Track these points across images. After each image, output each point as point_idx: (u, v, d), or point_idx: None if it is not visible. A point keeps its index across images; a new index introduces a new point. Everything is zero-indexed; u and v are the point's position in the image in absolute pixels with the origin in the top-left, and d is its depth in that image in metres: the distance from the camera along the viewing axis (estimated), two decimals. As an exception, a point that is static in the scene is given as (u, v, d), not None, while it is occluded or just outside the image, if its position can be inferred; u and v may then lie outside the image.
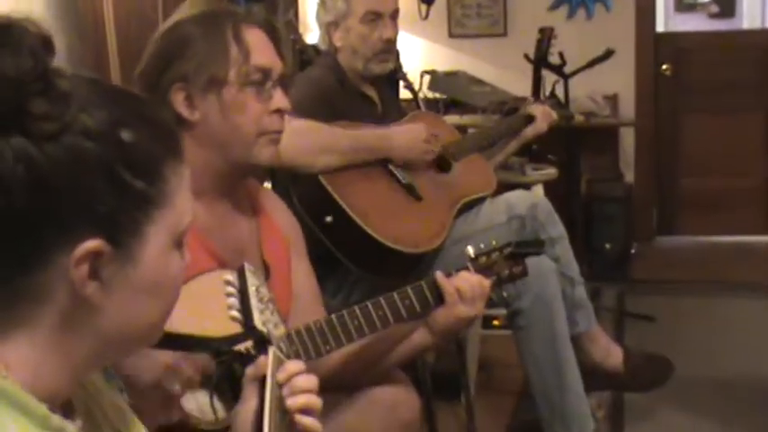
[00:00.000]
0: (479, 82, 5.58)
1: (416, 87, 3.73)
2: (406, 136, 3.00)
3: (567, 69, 4.44)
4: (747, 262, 5.74)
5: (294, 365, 1.40)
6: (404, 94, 3.71)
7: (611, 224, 5.59)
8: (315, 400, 1.39)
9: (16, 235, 0.96)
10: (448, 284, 2.04)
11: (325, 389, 1.56)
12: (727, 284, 5.21)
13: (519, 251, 2.21)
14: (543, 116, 3.53)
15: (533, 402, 3.15)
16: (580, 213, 5.14)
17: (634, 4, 6.07)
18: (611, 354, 3.29)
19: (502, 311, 4.31)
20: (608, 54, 4.46)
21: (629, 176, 6.10)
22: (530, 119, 3.52)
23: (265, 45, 2.00)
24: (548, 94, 4.28)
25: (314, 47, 3.55)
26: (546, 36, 4.48)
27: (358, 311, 2.00)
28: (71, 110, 0.97)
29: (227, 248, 1.97)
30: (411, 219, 2.93)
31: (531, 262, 2.89)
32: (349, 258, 2.84)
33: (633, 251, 5.76)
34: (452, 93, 5.45)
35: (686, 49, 6.29)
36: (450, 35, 6.24)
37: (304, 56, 3.94)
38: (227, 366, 1.78)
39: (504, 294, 2.23)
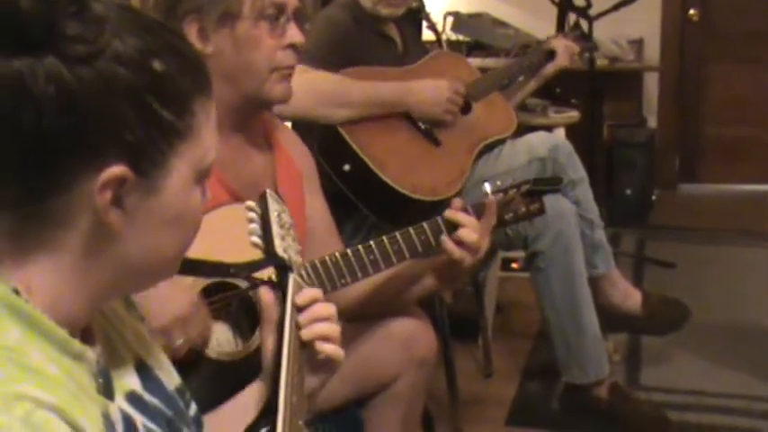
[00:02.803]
0: (503, 24, 5.52)
1: (440, 29, 3.69)
2: (427, 93, 2.94)
3: (593, 12, 4.38)
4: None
5: (313, 291, 1.40)
6: (427, 35, 3.67)
7: (633, 170, 5.55)
8: (334, 328, 1.38)
9: (44, 156, 0.96)
10: (453, 248, 2.00)
11: (340, 318, 1.56)
12: (748, 233, 5.18)
13: (536, 188, 2.19)
14: (565, 50, 3.47)
15: (550, 344, 3.16)
16: (601, 158, 5.12)
17: (662, -55, 5.99)
18: (629, 296, 3.30)
19: (520, 254, 4.32)
20: (634, -4, 4.41)
21: (652, 122, 6.06)
22: (551, 54, 3.48)
23: None
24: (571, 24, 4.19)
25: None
26: (571, -23, 4.41)
27: (374, 246, 2.00)
28: (104, 35, 0.97)
29: (242, 182, 1.97)
30: (429, 166, 2.91)
31: (550, 204, 2.88)
32: (367, 206, 2.83)
33: (654, 198, 5.73)
34: (476, 35, 5.39)
35: (714, -7, 6.21)
36: (475, -23, 6.17)
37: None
38: (243, 299, 1.79)
39: (510, 233, 2.21)
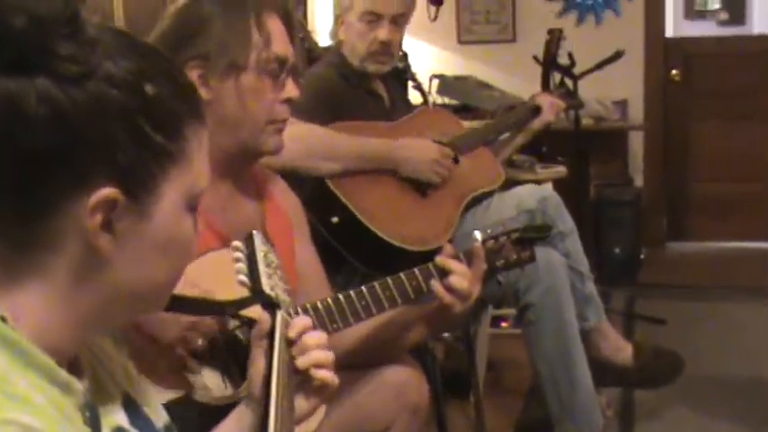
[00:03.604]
0: (488, 86, 5.57)
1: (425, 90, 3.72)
2: (415, 152, 2.95)
3: (577, 71, 4.42)
4: (758, 267, 5.72)
5: (302, 321, 1.40)
6: (413, 97, 3.70)
7: (621, 229, 5.57)
8: (327, 355, 1.39)
9: (35, 177, 0.95)
10: (444, 294, 2.01)
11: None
12: (738, 289, 5.19)
13: (526, 236, 2.20)
14: (550, 106, 3.50)
15: (542, 400, 3.13)
16: (589, 217, 5.14)
17: (643, 10, 6.08)
18: (621, 349, 3.28)
19: (511, 311, 4.32)
20: (617, 55, 4.46)
21: (639, 181, 6.10)
22: (536, 110, 3.50)
23: (283, 33, 2.01)
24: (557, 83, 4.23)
25: (322, 46, 3.55)
26: (555, 37, 4.46)
27: (365, 291, 1.99)
28: (97, 56, 0.97)
29: (232, 228, 1.97)
30: (418, 216, 2.92)
31: (540, 256, 2.89)
32: (356, 258, 2.83)
33: (642, 256, 5.74)
34: (461, 97, 5.44)
35: (695, 54, 6.30)
36: (460, 41, 6.25)
37: (312, 54, 3.93)
38: (233, 337, 1.78)
39: (501, 280, 2.21)
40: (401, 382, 2.17)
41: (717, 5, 8.31)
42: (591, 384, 3.06)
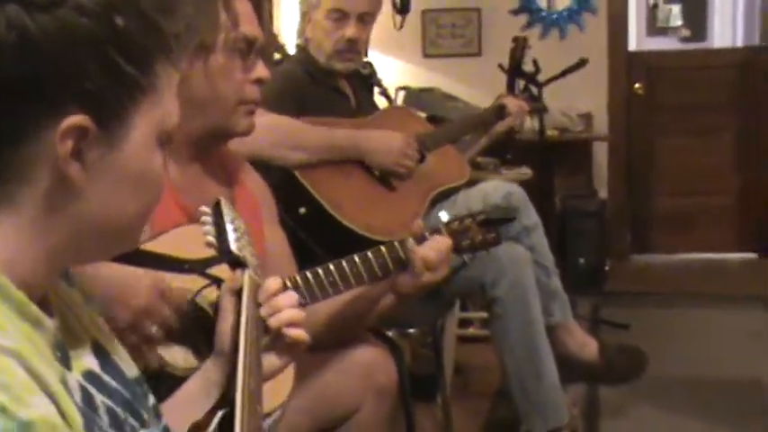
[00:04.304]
0: (453, 98, 5.59)
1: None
2: (380, 143, 2.98)
3: (541, 78, 4.46)
4: (720, 278, 5.79)
5: (273, 283, 1.41)
6: (380, 104, 3.72)
7: (586, 240, 5.61)
8: (298, 314, 1.41)
9: (5, 105, 0.96)
10: (415, 254, 2.05)
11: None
12: (699, 296, 5.25)
13: (491, 218, 2.23)
14: (515, 107, 3.54)
15: (509, 393, 3.15)
16: (554, 228, 5.17)
17: (606, 25, 6.15)
18: (586, 345, 3.31)
19: (479, 315, 4.34)
20: (582, 63, 4.49)
21: (603, 193, 6.15)
22: (501, 112, 3.53)
23: (251, 15, 2.03)
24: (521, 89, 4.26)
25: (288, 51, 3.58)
26: (520, 45, 4.49)
27: (332, 268, 2.00)
28: None
29: (200, 206, 1.97)
30: (384, 209, 2.94)
31: (505, 250, 2.94)
32: (323, 248, 2.84)
33: (607, 268, 5.79)
34: (427, 108, 5.44)
35: (658, 67, 6.38)
36: (425, 55, 6.29)
37: (278, 54, 3.96)
38: (200, 311, 1.78)
39: (466, 258, 2.23)
40: (368, 364, 2.18)
41: (678, 22, 8.43)
42: (557, 379, 3.08)
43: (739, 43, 7.57)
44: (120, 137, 1.03)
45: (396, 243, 2.06)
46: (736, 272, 6.02)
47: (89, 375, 1.11)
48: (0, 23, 0.94)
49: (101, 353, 1.17)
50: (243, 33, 1.98)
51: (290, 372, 1.81)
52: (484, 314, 3.99)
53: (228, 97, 2.00)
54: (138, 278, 1.67)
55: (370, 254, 2.04)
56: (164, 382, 1.75)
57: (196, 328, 1.78)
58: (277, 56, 4.04)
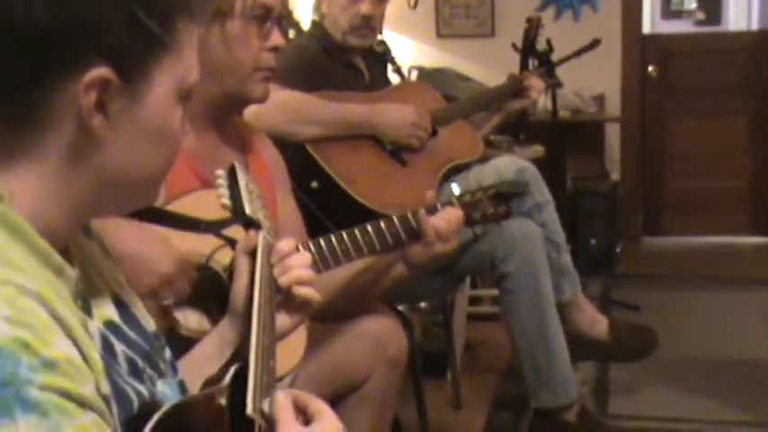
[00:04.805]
0: (467, 78, 5.60)
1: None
2: (393, 116, 2.99)
3: (555, 58, 4.44)
4: (732, 261, 5.79)
5: (286, 244, 1.43)
6: (394, 81, 3.73)
7: (597, 221, 5.61)
8: (309, 273, 1.43)
9: (32, 55, 0.98)
10: (427, 224, 2.07)
11: (312, 318, 1.58)
12: (711, 278, 5.25)
13: (502, 191, 2.25)
14: (531, 84, 3.53)
15: (519, 369, 3.16)
16: (566, 208, 5.17)
17: (621, 6, 6.13)
18: (596, 322, 3.31)
19: (489, 293, 4.36)
20: (595, 43, 4.47)
21: (615, 175, 6.14)
22: (519, 87, 3.51)
23: None
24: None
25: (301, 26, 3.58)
26: (534, 25, 4.48)
27: (345, 236, 2.02)
28: None
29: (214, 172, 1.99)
30: (396, 184, 2.95)
31: (517, 225, 2.94)
32: (335, 223, 2.85)
33: (618, 250, 5.79)
34: (440, 88, 5.42)
35: (672, 50, 6.36)
36: (439, 35, 6.28)
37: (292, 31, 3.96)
38: (214, 276, 1.80)
39: (477, 231, 2.25)
40: (379, 334, 2.20)
41: (693, 5, 8.40)
42: (567, 355, 3.08)
43: (754, 27, 7.54)
44: (142, 91, 1.05)
45: (408, 213, 2.08)
46: (749, 255, 6.01)
47: (109, 324, 1.13)
48: None
49: (120, 304, 1.20)
50: (260, 1, 1.99)
51: (302, 338, 1.83)
52: (494, 292, 4.00)
53: (245, 64, 2.02)
54: (166, 248, 1.70)
55: (382, 223, 2.07)
56: (178, 343, 1.77)
57: (210, 291, 1.80)
58: (291, 33, 4.04)
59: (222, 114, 2.08)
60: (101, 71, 1.00)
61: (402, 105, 3.02)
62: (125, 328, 1.17)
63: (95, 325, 1.09)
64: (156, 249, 1.69)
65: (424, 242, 2.05)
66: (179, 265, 1.74)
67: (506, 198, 2.26)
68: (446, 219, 2.06)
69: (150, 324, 1.26)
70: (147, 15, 1.03)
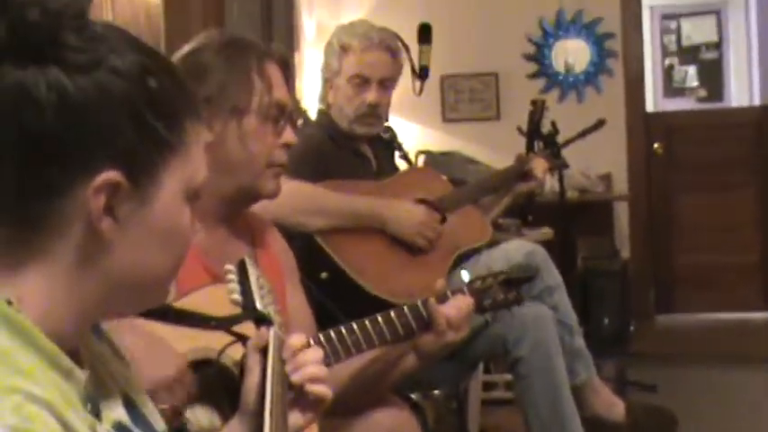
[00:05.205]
0: (474, 161, 5.63)
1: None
2: (402, 213, 3.00)
3: (560, 141, 4.47)
4: (747, 337, 5.75)
5: (297, 340, 1.43)
6: (401, 167, 3.75)
7: (609, 300, 5.59)
8: (322, 370, 1.43)
9: (43, 159, 1.00)
10: (438, 313, 2.06)
11: (323, 414, 1.57)
12: (726, 355, 5.21)
13: (513, 277, 2.25)
14: (542, 169, 3.54)
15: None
16: (577, 289, 5.16)
17: (624, 87, 6.19)
18: (613, 405, 3.28)
19: (503, 377, 4.32)
20: (600, 124, 4.49)
21: (625, 253, 6.14)
22: (524, 170, 3.52)
23: (281, 81, 2.08)
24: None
25: (308, 115, 3.62)
26: (538, 108, 4.52)
27: (356, 328, 2.02)
28: (102, 49, 1.03)
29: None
30: (406, 272, 2.95)
31: (528, 309, 2.93)
32: (345, 313, 2.84)
33: (632, 328, 5.76)
34: (448, 171, 5.46)
35: (676, 127, 6.41)
36: (444, 119, 6.35)
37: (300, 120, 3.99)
38: (225, 371, 1.79)
39: (487, 318, 2.24)
40: (393, 425, 2.18)
41: (695, 83, 8.47)
42: (584, 439, 3.05)
43: (756, 102, 7.60)
44: (151, 193, 1.06)
45: (418, 303, 2.07)
46: (763, 330, 5.97)
47: (119, 427, 1.13)
48: (41, 85, 0.99)
49: (130, 405, 1.19)
50: (276, 99, 2.03)
51: (314, 429, 1.82)
52: (508, 377, 3.97)
53: (259, 160, 2.05)
54: (170, 353, 1.69)
55: (392, 313, 2.06)
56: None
57: (221, 387, 1.79)
58: (299, 122, 4.08)
59: (233, 209, 2.10)
60: (110, 175, 1.01)
61: (413, 205, 3.03)
62: (135, 430, 1.16)
63: (104, 428, 1.09)
64: (162, 354, 1.68)
65: (435, 331, 2.05)
66: (179, 371, 1.73)
67: (517, 284, 2.26)
68: (457, 307, 2.06)
69: (160, 424, 1.25)
70: (155, 118, 1.05)
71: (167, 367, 1.72)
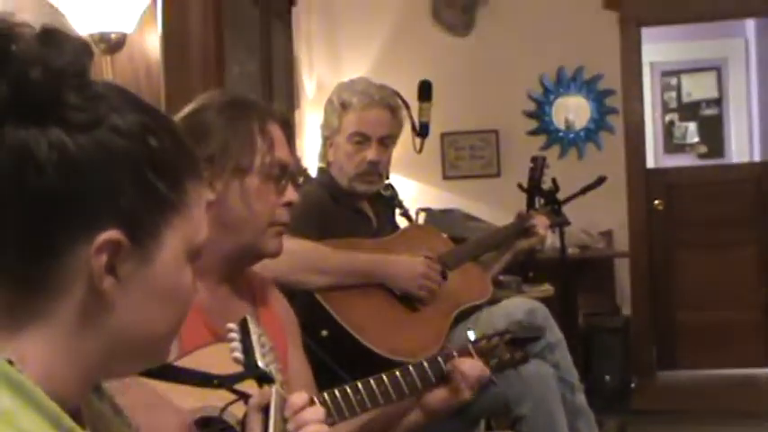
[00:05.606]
0: (474, 218, 5.64)
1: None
2: (402, 267, 3.00)
3: (561, 198, 4.48)
4: (750, 394, 5.73)
5: (299, 398, 1.43)
6: (401, 224, 3.76)
7: (611, 357, 5.59)
8: (324, 429, 1.42)
9: (43, 219, 1.00)
10: (456, 369, 2.08)
11: None
12: (729, 413, 5.20)
13: (518, 336, 2.26)
14: (543, 226, 3.56)
15: None
16: (579, 346, 5.15)
17: (624, 143, 6.22)
18: (615, 464, 3.26)
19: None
20: (600, 181, 4.51)
21: (627, 310, 6.13)
22: (525, 226, 3.54)
23: (283, 141, 2.11)
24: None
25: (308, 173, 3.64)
26: (539, 165, 4.53)
27: (361, 387, 2.03)
28: (103, 108, 1.03)
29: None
30: (407, 330, 2.95)
31: (530, 367, 2.92)
32: (346, 371, 2.84)
33: (633, 385, 5.74)
34: (448, 229, 5.44)
35: (677, 184, 6.44)
36: (445, 176, 6.37)
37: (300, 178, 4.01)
38: (226, 428, 1.79)
39: (493, 378, 2.25)
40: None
41: (695, 139, 8.51)
42: (587, 499, 3.03)
43: (756, 158, 7.63)
44: (152, 252, 1.06)
45: (424, 362, 2.08)
46: (766, 387, 5.95)
47: None
48: (42, 144, 0.99)
49: None
50: (278, 158, 2.05)
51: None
52: (510, 434, 3.95)
53: (262, 219, 2.07)
54: (173, 413, 1.69)
55: (397, 373, 2.06)
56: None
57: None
58: (300, 180, 4.09)
59: (235, 268, 2.11)
60: (111, 234, 1.01)
61: (412, 258, 3.03)
62: None
63: None
64: (166, 415, 1.68)
65: (450, 387, 2.06)
66: (181, 430, 1.73)
67: (523, 343, 2.28)
68: (472, 366, 2.08)
69: None
70: (156, 178, 1.05)
71: (169, 427, 1.71)
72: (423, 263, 3.02)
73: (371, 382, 2.04)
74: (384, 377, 2.06)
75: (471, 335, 2.20)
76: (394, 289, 2.98)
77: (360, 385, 2.03)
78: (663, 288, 6.32)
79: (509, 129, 6.32)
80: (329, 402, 1.99)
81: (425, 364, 2.09)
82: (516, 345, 2.26)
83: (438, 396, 2.09)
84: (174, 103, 3.54)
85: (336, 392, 2.01)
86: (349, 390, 2.02)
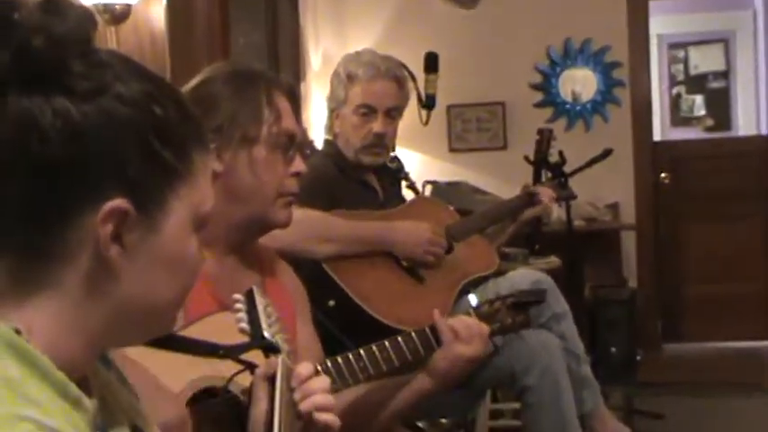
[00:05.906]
0: (481, 191, 5.64)
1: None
2: (408, 234, 3.01)
3: (567, 170, 4.48)
4: (753, 366, 5.74)
5: (304, 369, 1.44)
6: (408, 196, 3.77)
7: (617, 329, 5.60)
8: (329, 399, 1.43)
9: (49, 187, 1.00)
10: (444, 324, 2.09)
11: None
12: (733, 385, 5.21)
13: (520, 300, 2.26)
14: (547, 195, 3.56)
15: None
16: (585, 317, 5.16)
17: (631, 116, 6.20)
18: (620, 434, 3.28)
19: (510, 406, 4.32)
20: (607, 153, 4.50)
21: (633, 282, 6.14)
22: (531, 197, 3.55)
23: (290, 111, 2.10)
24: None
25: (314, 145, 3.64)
26: (545, 137, 4.53)
27: (363, 353, 2.03)
28: (108, 76, 1.03)
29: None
30: (413, 301, 2.95)
31: (536, 337, 2.93)
32: (353, 341, 2.85)
33: (639, 357, 5.75)
34: (455, 201, 5.46)
35: (683, 156, 6.42)
36: (451, 149, 6.35)
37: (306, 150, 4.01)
38: (235, 402, 1.80)
39: (497, 343, 2.26)
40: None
41: (702, 112, 8.49)
42: (591, 468, 3.05)
43: (764, 131, 7.61)
44: (159, 220, 1.06)
45: (426, 328, 2.08)
46: (770, 359, 5.98)
47: None
48: (46, 113, 0.99)
49: None
50: (285, 128, 2.05)
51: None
52: (515, 405, 3.97)
53: (270, 189, 2.07)
54: (169, 397, 1.69)
55: (399, 338, 2.07)
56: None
57: (229, 416, 1.79)
58: (307, 152, 4.10)
59: (244, 239, 2.11)
60: (117, 202, 1.01)
61: (417, 223, 3.04)
62: None
63: None
64: (161, 398, 1.67)
65: (442, 346, 2.06)
66: (181, 421, 1.73)
67: (524, 307, 2.28)
68: (462, 321, 2.08)
69: None
70: (162, 146, 1.05)
71: (164, 415, 1.71)
72: (428, 228, 3.03)
73: (374, 347, 2.06)
74: (386, 342, 2.07)
75: (473, 299, 2.21)
76: (400, 257, 2.99)
77: (362, 351, 2.04)
78: (669, 261, 6.32)
79: (516, 101, 6.30)
80: (331, 368, 2.00)
81: (427, 329, 2.10)
82: (518, 309, 2.26)
83: (440, 356, 2.09)
84: (178, 74, 3.54)
85: (339, 359, 2.02)
86: (351, 356, 2.03)
